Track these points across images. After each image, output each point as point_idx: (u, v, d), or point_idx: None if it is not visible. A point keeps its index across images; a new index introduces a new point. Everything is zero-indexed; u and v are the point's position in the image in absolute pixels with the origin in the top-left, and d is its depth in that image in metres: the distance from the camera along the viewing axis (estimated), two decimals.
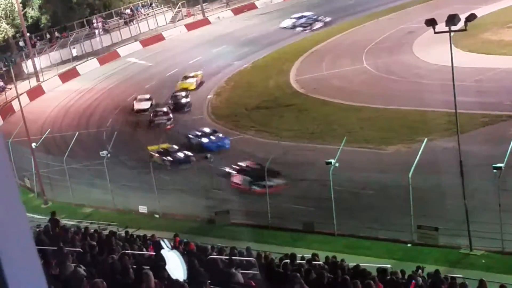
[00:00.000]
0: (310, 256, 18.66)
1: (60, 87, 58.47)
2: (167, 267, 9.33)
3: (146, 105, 46.76)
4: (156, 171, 32.19)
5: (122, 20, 71.16)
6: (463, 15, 22.54)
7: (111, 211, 32.64)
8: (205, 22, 71.30)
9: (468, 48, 44.98)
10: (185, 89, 48.55)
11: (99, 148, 36.81)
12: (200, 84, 50.76)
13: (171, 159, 35.59)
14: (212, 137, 37.65)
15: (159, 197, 30.92)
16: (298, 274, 12.73)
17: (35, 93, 56.16)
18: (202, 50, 60.41)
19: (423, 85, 40.37)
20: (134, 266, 12.37)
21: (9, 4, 59.36)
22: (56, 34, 67.19)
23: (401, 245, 24.11)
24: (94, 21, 69.49)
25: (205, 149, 36.62)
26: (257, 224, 27.46)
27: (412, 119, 36.76)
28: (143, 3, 74.41)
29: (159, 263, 11.29)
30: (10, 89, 52.76)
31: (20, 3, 58.51)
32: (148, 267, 11.72)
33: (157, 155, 36.12)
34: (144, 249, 18.35)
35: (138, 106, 46.97)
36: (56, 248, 14.39)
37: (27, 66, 60.60)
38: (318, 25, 60.04)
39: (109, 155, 33.62)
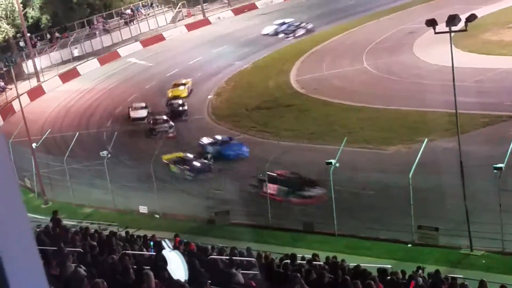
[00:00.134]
0: (311, 256, 18.66)
1: (60, 87, 58.50)
2: (168, 268, 9.32)
3: (143, 113, 45.35)
4: (174, 180, 31.29)
5: (123, 20, 71.18)
6: (463, 15, 22.53)
7: (111, 211, 32.65)
8: (206, 22, 71.32)
9: (468, 48, 44.98)
10: (177, 97, 47.55)
11: (100, 148, 36.82)
12: (190, 92, 49.61)
13: (190, 168, 33.99)
14: (230, 145, 36.20)
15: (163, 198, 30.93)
16: (298, 275, 12.73)
17: (36, 93, 56.18)
18: (203, 50, 60.44)
19: (424, 85, 40.37)
20: (135, 266, 12.37)
21: (9, 4, 59.38)
22: (57, 34, 67.22)
23: (401, 245, 24.10)
24: (95, 21, 69.53)
25: (223, 158, 35.10)
26: (257, 224, 27.45)
27: (412, 119, 36.76)
28: (143, 3, 74.43)
29: (159, 263, 11.29)
30: (11, 89, 52.77)
31: (21, 3, 58.53)
32: (149, 267, 11.72)
33: (174, 164, 34.70)
34: (145, 249, 18.35)
35: (134, 114, 45.43)
36: (56, 248, 14.39)
37: (28, 66, 60.64)
38: (300, 31, 59.43)
39: (109, 155, 33.62)
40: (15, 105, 47.78)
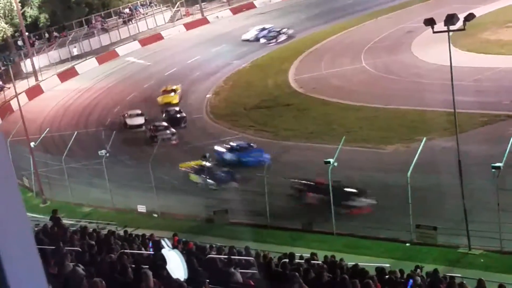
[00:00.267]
0: (309, 255, 18.66)
1: (58, 86, 58.49)
2: (167, 267, 9.32)
3: (139, 120, 43.96)
4: (198, 191, 30.17)
5: (121, 20, 71.15)
6: (462, 14, 22.54)
7: (110, 210, 32.64)
8: (204, 21, 71.31)
9: (467, 47, 45.00)
10: (168, 104, 46.41)
11: (98, 147, 36.80)
12: (180, 98, 48.33)
13: (213, 177, 31.91)
14: (251, 151, 34.14)
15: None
16: (297, 274, 12.72)
17: (34, 92, 56.16)
18: (201, 49, 60.44)
19: (422, 84, 40.39)
20: (133, 266, 12.36)
21: (7, 3, 59.34)
22: (55, 33, 67.18)
23: (400, 245, 24.11)
24: (93, 20, 69.50)
25: (242, 165, 33.09)
26: (256, 224, 27.44)
27: (411, 118, 36.77)
28: (141, 3, 74.43)
29: (158, 262, 11.29)
30: (9, 88, 52.76)
31: (19, 2, 58.48)
32: (147, 266, 11.72)
33: (194, 173, 32.82)
34: (143, 249, 18.35)
35: (131, 121, 43.89)
36: (55, 247, 14.38)
37: (26, 65, 60.63)
38: (282, 37, 59.05)
39: (107, 154, 33.59)
40: (14, 104, 47.73)
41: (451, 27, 21.83)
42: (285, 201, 29.03)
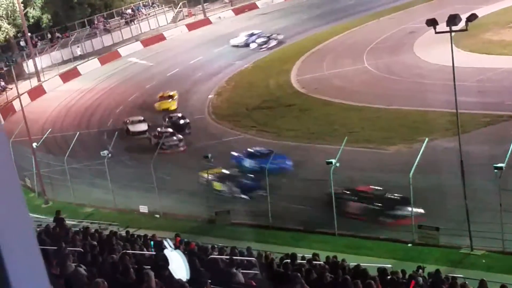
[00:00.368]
0: (311, 256, 18.66)
1: (61, 87, 58.56)
2: (170, 267, 9.34)
3: (143, 127, 42.80)
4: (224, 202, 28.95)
5: (123, 20, 71.20)
6: (464, 15, 22.52)
7: (111, 211, 32.66)
8: (206, 22, 71.33)
9: (469, 48, 44.95)
10: (167, 110, 45.54)
11: (100, 148, 36.85)
12: (178, 104, 47.13)
13: (240, 186, 30.28)
14: (273, 158, 31.47)
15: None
16: (298, 274, 12.73)
17: (36, 93, 56.23)
18: (203, 50, 60.46)
19: (424, 85, 40.36)
20: (135, 266, 12.37)
21: (10, 4, 59.41)
22: (57, 34, 67.25)
23: (401, 245, 24.09)
24: (96, 21, 69.56)
25: (263, 172, 29.87)
26: (257, 224, 27.43)
27: (413, 119, 36.75)
28: (144, 3, 74.45)
29: (160, 262, 11.30)
30: (11, 89, 52.81)
31: (22, 3, 58.55)
32: (149, 267, 11.73)
33: (219, 181, 31.17)
34: (145, 249, 18.36)
35: (134, 128, 42.73)
36: (57, 247, 14.40)
37: (28, 66, 60.70)
38: (273, 42, 58.44)
39: (109, 155, 33.60)
40: (16, 104, 47.81)
41: (453, 28, 21.81)
42: (320, 210, 27.23)
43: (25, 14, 60.99)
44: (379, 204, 25.47)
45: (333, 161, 25.76)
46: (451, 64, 22.13)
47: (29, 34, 60.02)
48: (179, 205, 31.42)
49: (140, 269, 11.40)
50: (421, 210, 24.62)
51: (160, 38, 67.99)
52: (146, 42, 67.04)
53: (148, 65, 60.33)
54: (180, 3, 73.39)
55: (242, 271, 14.23)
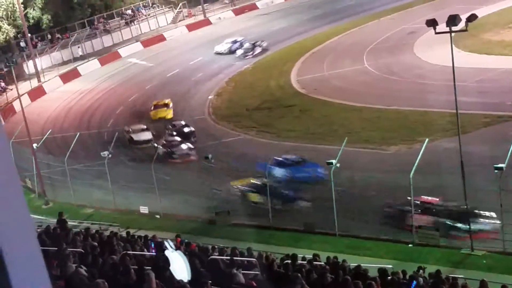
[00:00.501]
0: (311, 256, 18.66)
1: (61, 87, 58.55)
2: (171, 268, 9.34)
3: (147, 135, 40.74)
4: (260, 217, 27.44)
5: (123, 21, 71.20)
6: (464, 15, 22.54)
7: (112, 211, 32.65)
8: (206, 22, 71.35)
9: (469, 48, 44.97)
10: (163, 119, 43.97)
11: (100, 148, 36.84)
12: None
13: (275, 196, 28.12)
14: (305, 166, 30.76)
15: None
16: (299, 275, 12.73)
17: (36, 93, 56.23)
18: (203, 50, 60.45)
19: (424, 85, 40.37)
20: (136, 267, 12.37)
21: (10, 5, 59.42)
22: (57, 34, 67.25)
23: (402, 246, 24.09)
24: (96, 21, 69.57)
25: (295, 182, 29.65)
26: (258, 225, 27.42)
27: (413, 119, 36.75)
28: (144, 4, 74.46)
29: (161, 263, 11.29)
30: (11, 89, 52.81)
31: (22, 3, 58.57)
32: (150, 267, 11.72)
33: (255, 192, 29.39)
34: (145, 250, 18.36)
35: (138, 137, 40.56)
36: (57, 248, 14.40)
37: (28, 66, 60.69)
38: (258, 50, 57.59)
39: (110, 155, 33.59)
40: (16, 105, 47.81)
41: (453, 28, 21.83)
42: (377, 222, 25.85)
43: (25, 15, 61.01)
44: (450, 217, 23.72)
45: (334, 161, 25.76)
46: (451, 65, 22.15)
47: (29, 35, 60.03)
48: (179, 205, 31.40)
49: (140, 270, 11.40)
50: (498, 222, 22.86)
51: (160, 38, 68.00)
52: (146, 43, 67.04)
53: (148, 65, 60.33)
54: (180, 4, 73.40)
55: (242, 271, 14.22)
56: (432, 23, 22.15)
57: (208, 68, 55.65)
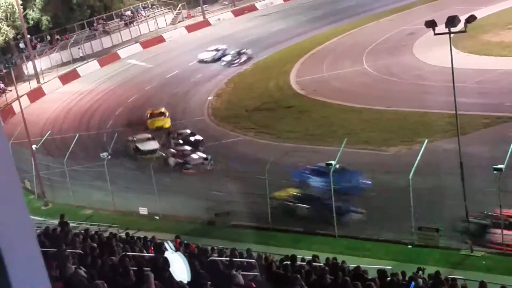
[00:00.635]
0: (311, 257, 18.66)
1: (60, 88, 58.54)
2: (171, 269, 9.34)
3: (153, 145, 38.68)
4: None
5: (123, 22, 71.20)
6: (463, 16, 22.55)
7: (111, 212, 32.64)
8: (206, 23, 71.35)
9: (468, 49, 45.00)
10: (161, 128, 42.70)
11: (100, 149, 36.82)
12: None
13: (325, 208, 26.10)
14: (347, 175, 28.39)
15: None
16: (298, 276, 12.73)
17: (36, 95, 56.23)
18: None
19: (424, 86, 40.40)
20: (135, 268, 12.37)
21: (9, 6, 59.43)
22: (57, 36, 67.24)
23: (402, 247, 24.10)
24: (95, 23, 69.58)
25: (336, 192, 25.98)
26: (257, 226, 27.42)
27: (412, 120, 36.77)
28: (143, 5, 74.46)
29: (159, 264, 11.29)
30: (11, 91, 52.79)
31: (21, 4, 58.58)
32: (149, 269, 11.72)
33: (300, 204, 27.55)
34: (145, 251, 18.35)
35: (143, 147, 38.79)
36: (56, 249, 14.39)
37: (28, 68, 60.67)
38: (243, 58, 56.49)
39: (109, 156, 33.57)
40: (15, 106, 47.79)
41: (452, 29, 21.85)
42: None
43: (25, 16, 61.02)
44: None
45: (333, 162, 25.76)
46: (451, 66, 22.16)
47: (28, 36, 60.04)
48: (178, 206, 31.40)
49: (140, 271, 11.40)
50: None
51: (160, 40, 68.00)
52: (146, 44, 67.03)
53: (148, 67, 60.33)
54: (180, 5, 73.41)
55: (242, 273, 14.21)
56: (431, 24, 22.17)
57: (207, 69, 55.65)
